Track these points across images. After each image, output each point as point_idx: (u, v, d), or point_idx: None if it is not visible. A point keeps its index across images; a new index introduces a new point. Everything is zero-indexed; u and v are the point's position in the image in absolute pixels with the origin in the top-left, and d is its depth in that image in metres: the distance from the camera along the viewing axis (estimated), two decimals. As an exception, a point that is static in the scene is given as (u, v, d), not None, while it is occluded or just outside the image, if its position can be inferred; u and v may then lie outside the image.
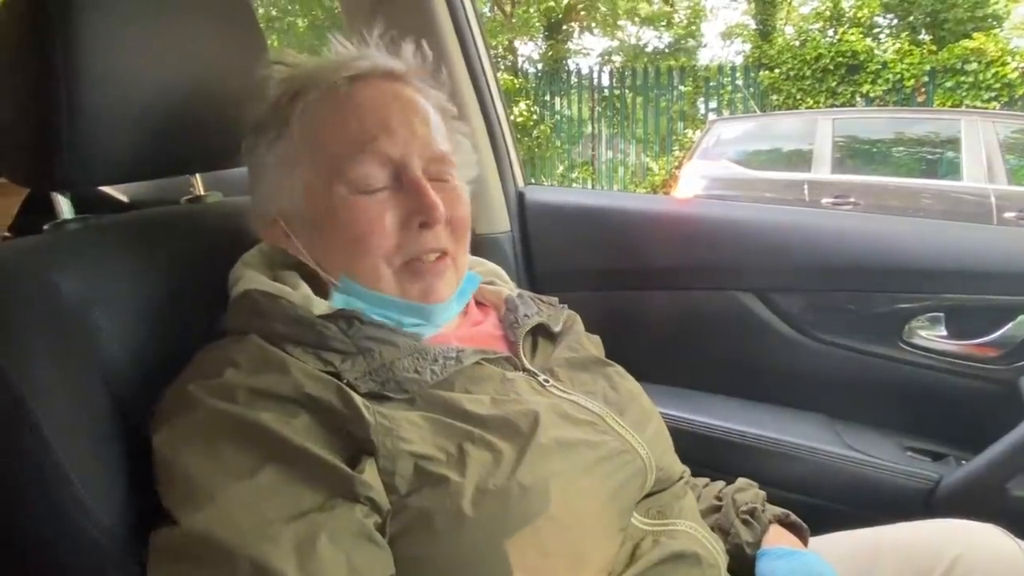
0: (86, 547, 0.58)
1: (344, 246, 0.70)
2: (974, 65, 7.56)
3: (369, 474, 0.58)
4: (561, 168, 9.58)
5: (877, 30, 10.07)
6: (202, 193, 0.94)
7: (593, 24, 12.52)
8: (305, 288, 0.70)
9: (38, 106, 0.67)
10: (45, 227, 0.75)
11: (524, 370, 0.75)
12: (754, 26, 10.57)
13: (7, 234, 1.43)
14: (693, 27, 12.32)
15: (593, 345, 0.88)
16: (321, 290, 0.72)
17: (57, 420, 0.57)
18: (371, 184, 0.69)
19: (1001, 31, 8.85)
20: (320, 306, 0.68)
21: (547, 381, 0.74)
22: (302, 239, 0.72)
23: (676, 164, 7.76)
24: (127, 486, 0.61)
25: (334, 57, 0.74)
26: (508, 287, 0.88)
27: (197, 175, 0.93)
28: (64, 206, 0.75)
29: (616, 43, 12.99)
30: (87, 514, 0.58)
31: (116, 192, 1.38)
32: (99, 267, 0.69)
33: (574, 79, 9.73)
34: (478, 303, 0.86)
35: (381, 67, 0.74)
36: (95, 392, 0.63)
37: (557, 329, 0.83)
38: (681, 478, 0.80)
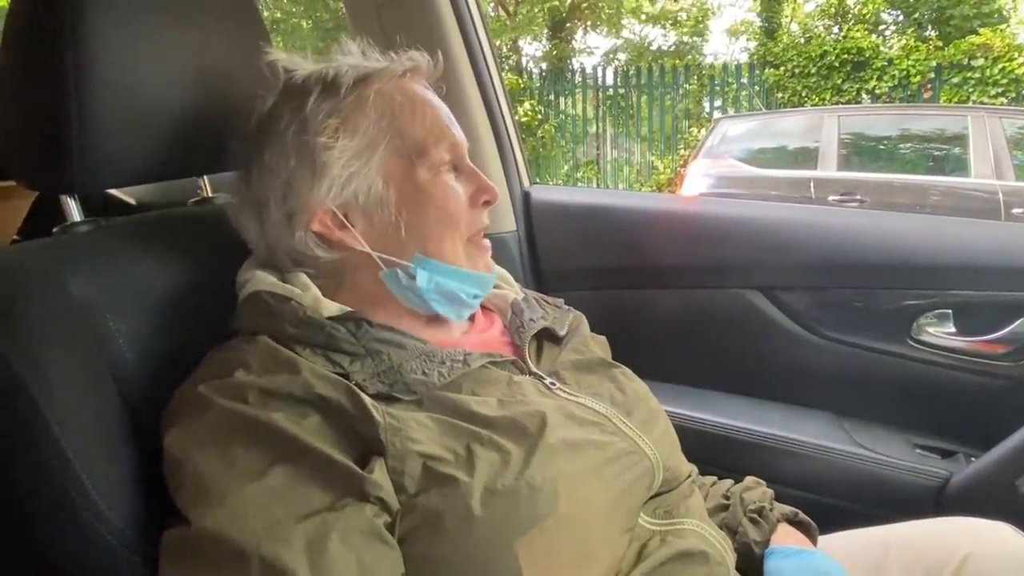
0: (97, 547, 0.58)
1: (433, 224, 0.73)
2: (981, 61, 7.51)
3: (379, 474, 0.58)
4: (566, 167, 9.57)
5: (883, 27, 10.03)
6: (209, 195, 0.95)
7: (598, 23, 12.49)
8: (314, 290, 0.70)
9: (48, 110, 0.67)
10: (55, 230, 0.75)
11: (530, 373, 0.75)
12: (759, 23, 10.54)
13: (16, 237, 1.44)
14: (701, 26, 12.28)
15: (599, 346, 0.88)
16: (337, 290, 0.72)
17: (68, 421, 0.58)
18: (445, 167, 0.74)
19: (1007, 26, 8.79)
20: (329, 307, 0.69)
21: (553, 384, 0.74)
22: (361, 227, 0.72)
23: (681, 163, 7.74)
24: (138, 486, 0.62)
25: (352, 57, 0.75)
26: (514, 290, 0.89)
27: (204, 177, 0.94)
28: (73, 209, 0.75)
29: (620, 41, 12.96)
30: (98, 514, 0.58)
31: (123, 194, 1.39)
32: (109, 269, 0.70)
33: (578, 78, 9.72)
34: (484, 308, 0.86)
35: (425, 68, 0.78)
36: (106, 393, 0.64)
37: (562, 333, 0.83)
38: (688, 477, 0.80)
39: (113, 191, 1.32)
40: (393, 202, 0.72)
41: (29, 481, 0.57)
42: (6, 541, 0.59)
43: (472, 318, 0.83)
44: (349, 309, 0.69)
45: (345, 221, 0.71)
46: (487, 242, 0.79)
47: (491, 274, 0.79)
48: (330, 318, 0.67)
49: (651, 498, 0.73)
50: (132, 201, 1.38)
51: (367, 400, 0.60)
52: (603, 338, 0.91)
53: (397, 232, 0.72)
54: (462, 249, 0.75)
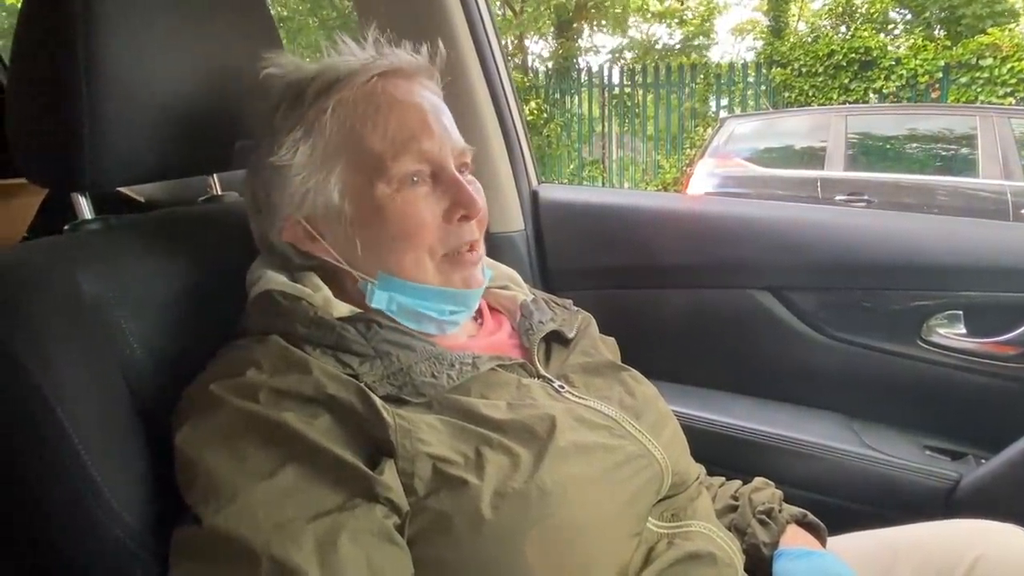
0: (108, 545, 0.58)
1: (390, 242, 0.70)
2: (989, 60, 7.47)
3: (388, 475, 0.58)
4: (571, 166, 9.56)
5: (891, 26, 9.99)
6: (219, 193, 0.95)
7: (604, 22, 12.46)
8: (325, 291, 0.70)
9: (59, 108, 0.67)
10: (65, 227, 0.75)
11: (539, 376, 0.75)
12: (766, 23, 10.51)
13: (27, 235, 1.44)
14: (707, 24, 12.24)
15: (608, 348, 0.88)
16: (340, 291, 0.72)
17: (80, 419, 0.58)
18: (414, 180, 0.70)
19: (1016, 26, 8.73)
20: (340, 308, 0.69)
21: (562, 387, 0.74)
22: (330, 239, 0.71)
23: (687, 162, 7.72)
24: (149, 485, 0.62)
25: (350, 57, 0.72)
26: (522, 292, 0.88)
27: (214, 175, 0.94)
28: (84, 207, 0.75)
29: (627, 40, 12.92)
30: (110, 512, 0.58)
31: (133, 192, 1.39)
32: (120, 267, 0.70)
33: (584, 77, 9.70)
34: (493, 309, 0.86)
35: (407, 65, 0.74)
36: (117, 391, 0.64)
37: (571, 335, 0.83)
38: (696, 479, 0.80)
39: (123, 189, 1.32)
40: (348, 218, 0.70)
41: (41, 479, 0.58)
42: (19, 538, 0.60)
43: (481, 320, 0.83)
44: (359, 310, 0.69)
45: (314, 233, 0.71)
46: (474, 255, 0.74)
47: (472, 288, 0.74)
48: (340, 319, 0.67)
49: (659, 501, 0.72)
50: (141, 199, 1.38)
51: (377, 401, 0.60)
52: (612, 340, 0.90)
53: (355, 248, 0.71)
54: (432, 266, 0.71)
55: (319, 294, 0.69)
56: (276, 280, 0.70)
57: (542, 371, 0.75)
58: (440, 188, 0.71)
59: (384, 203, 0.69)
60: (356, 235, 0.70)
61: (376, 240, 0.70)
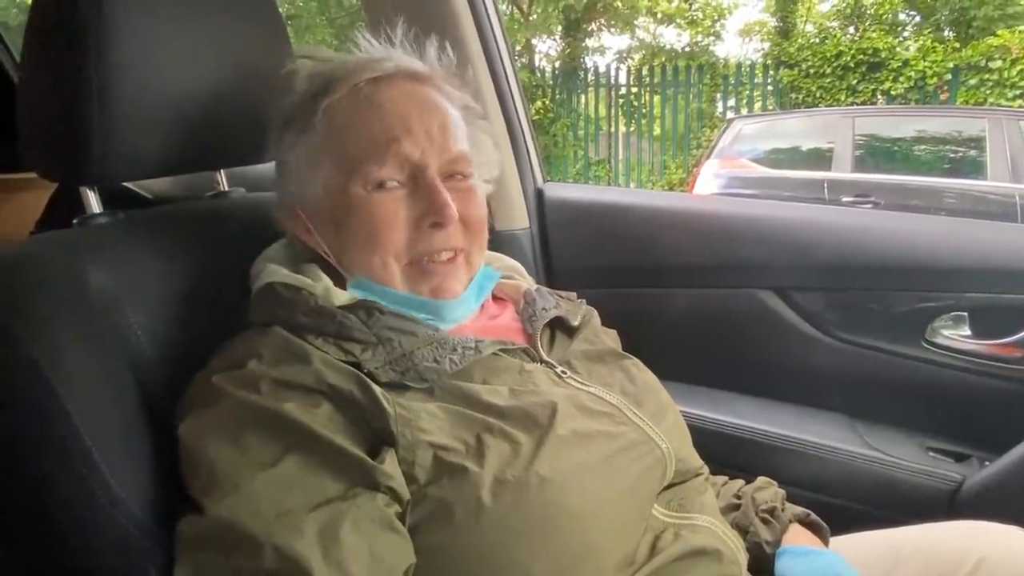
0: (115, 535, 0.59)
1: (358, 243, 0.71)
2: (998, 63, 7.43)
3: (389, 464, 0.58)
4: (578, 166, 9.55)
5: (900, 28, 9.95)
6: (226, 189, 0.95)
7: (613, 21, 12.42)
8: (326, 280, 0.71)
9: (69, 103, 0.68)
10: (74, 222, 0.76)
11: (542, 362, 0.75)
12: (773, 24, 10.48)
13: (35, 229, 1.45)
14: (717, 26, 12.19)
15: (610, 338, 0.88)
16: (342, 283, 0.73)
17: (87, 410, 0.58)
18: (388, 184, 0.71)
19: (1027, 27, 8.68)
20: (341, 297, 0.70)
21: (564, 373, 0.74)
22: (321, 233, 0.74)
23: (694, 162, 7.71)
24: (155, 475, 0.62)
25: (359, 56, 0.75)
26: (526, 282, 0.89)
27: (221, 171, 0.95)
28: (92, 201, 0.76)
29: (636, 42, 12.89)
30: (116, 503, 0.58)
31: (140, 188, 1.40)
32: (128, 261, 0.71)
33: (591, 77, 9.70)
34: (496, 297, 0.86)
35: (404, 69, 0.75)
36: (124, 383, 0.64)
37: (575, 323, 0.83)
38: (700, 473, 0.80)
39: (130, 184, 1.33)
40: (329, 215, 0.72)
41: (48, 468, 0.58)
42: (27, 529, 0.60)
43: (483, 304, 0.83)
44: (360, 298, 0.70)
45: (309, 225, 0.74)
46: (450, 265, 0.74)
47: (441, 299, 0.73)
48: (341, 307, 0.68)
49: (664, 490, 0.73)
50: (149, 194, 1.39)
51: (378, 391, 0.61)
52: (614, 331, 0.91)
53: (335, 246, 0.73)
54: (397, 270, 0.72)
55: (320, 284, 0.70)
56: (278, 272, 0.71)
57: (545, 356, 0.76)
58: (417, 193, 0.72)
59: (356, 203, 0.70)
60: (335, 233, 0.72)
61: (348, 239, 0.72)
